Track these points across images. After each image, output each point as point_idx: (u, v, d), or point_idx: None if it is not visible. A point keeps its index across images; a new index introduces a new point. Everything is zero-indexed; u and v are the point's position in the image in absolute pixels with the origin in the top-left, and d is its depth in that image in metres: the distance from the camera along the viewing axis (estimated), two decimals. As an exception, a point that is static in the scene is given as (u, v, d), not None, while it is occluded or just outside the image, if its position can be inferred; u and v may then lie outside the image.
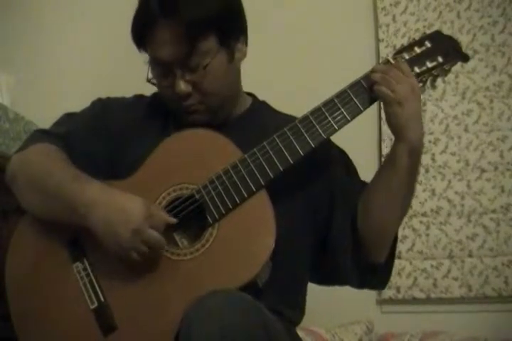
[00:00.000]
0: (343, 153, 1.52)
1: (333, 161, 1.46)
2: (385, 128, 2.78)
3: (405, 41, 1.44)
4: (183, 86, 1.34)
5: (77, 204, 1.29)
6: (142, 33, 1.36)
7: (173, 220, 1.30)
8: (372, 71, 1.35)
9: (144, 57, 1.40)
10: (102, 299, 1.30)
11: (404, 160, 1.34)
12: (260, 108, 1.51)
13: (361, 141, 2.69)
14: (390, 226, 1.41)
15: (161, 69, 1.37)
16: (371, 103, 1.35)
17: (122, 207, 1.26)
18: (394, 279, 2.65)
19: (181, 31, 1.30)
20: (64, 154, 1.41)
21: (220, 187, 1.30)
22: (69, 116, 1.51)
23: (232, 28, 1.37)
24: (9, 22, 2.91)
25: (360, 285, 1.49)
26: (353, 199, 1.43)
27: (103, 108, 1.49)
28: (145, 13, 1.34)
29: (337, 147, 1.51)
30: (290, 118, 1.38)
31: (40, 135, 1.47)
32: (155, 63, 1.37)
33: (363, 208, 1.41)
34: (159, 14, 1.31)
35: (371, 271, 1.44)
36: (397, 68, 1.33)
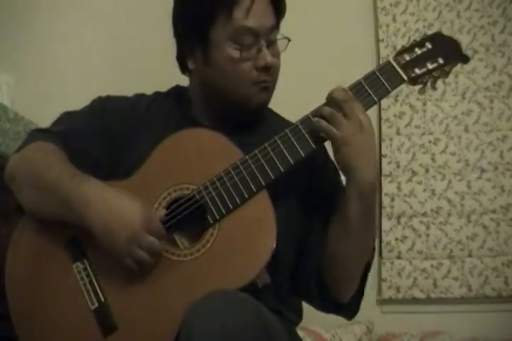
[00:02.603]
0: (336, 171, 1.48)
1: (326, 175, 1.45)
2: (385, 128, 2.79)
3: (405, 41, 1.44)
4: (271, 56, 1.36)
5: (73, 203, 1.29)
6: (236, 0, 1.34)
7: (162, 213, 1.30)
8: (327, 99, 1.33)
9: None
10: (103, 299, 1.30)
11: (353, 204, 1.30)
12: (268, 114, 1.49)
13: (361, 141, 2.69)
14: (346, 267, 1.36)
15: (247, 40, 1.35)
16: None
17: (120, 211, 1.26)
18: (394, 279, 2.66)
19: (272, 4, 1.37)
20: (62, 152, 1.40)
21: (220, 188, 1.30)
22: (68, 115, 1.50)
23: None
24: (9, 22, 2.91)
25: (324, 312, 1.47)
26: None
27: (103, 106, 1.48)
28: None
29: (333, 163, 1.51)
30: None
31: (39, 134, 1.47)
32: (240, 34, 1.35)
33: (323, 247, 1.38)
34: None
35: (335, 307, 1.42)
36: (348, 102, 1.29)
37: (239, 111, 1.39)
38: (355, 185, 1.29)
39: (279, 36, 1.39)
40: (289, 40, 1.40)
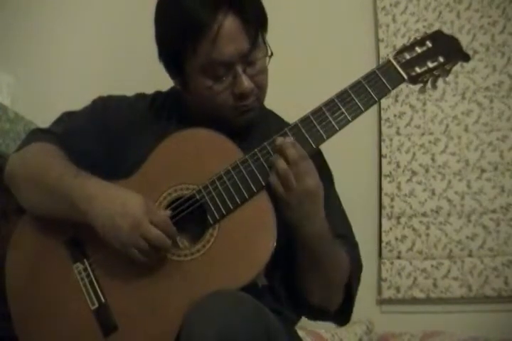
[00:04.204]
0: (330, 178, 1.50)
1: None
2: (385, 128, 2.79)
3: (405, 41, 1.43)
4: (248, 82, 1.32)
5: (76, 200, 1.29)
6: (202, 31, 1.29)
7: (168, 212, 1.29)
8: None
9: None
10: (103, 299, 1.30)
11: (299, 250, 1.32)
12: (267, 116, 1.50)
13: (361, 141, 2.70)
14: (312, 290, 1.37)
15: (219, 71, 1.32)
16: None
17: (122, 202, 1.26)
18: (394, 279, 2.66)
19: (245, 24, 1.30)
20: (62, 152, 1.41)
21: (220, 188, 1.30)
22: (69, 115, 1.50)
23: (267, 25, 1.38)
24: (9, 22, 2.91)
25: (313, 320, 1.48)
26: None
27: (103, 107, 1.48)
28: (208, 9, 1.29)
29: (328, 170, 1.50)
30: None
31: (39, 134, 1.47)
32: (210, 67, 1.32)
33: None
34: (228, 8, 1.28)
35: (324, 314, 1.43)
36: (299, 164, 1.26)
37: (227, 124, 1.39)
38: (300, 238, 1.30)
39: (261, 52, 1.35)
40: (271, 55, 1.36)
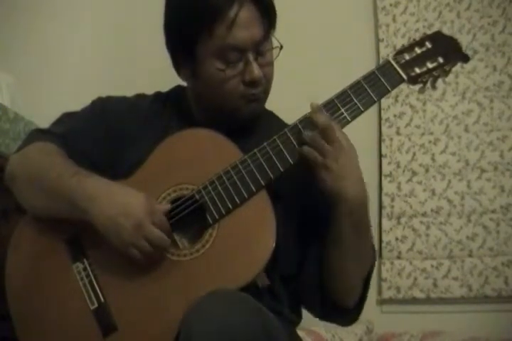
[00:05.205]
0: None
1: None
2: (385, 128, 2.79)
3: (405, 41, 1.43)
4: (258, 70, 1.34)
5: (77, 199, 1.29)
6: (219, 15, 1.30)
7: (168, 207, 1.30)
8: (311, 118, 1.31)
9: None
10: (102, 299, 1.30)
11: (344, 222, 1.30)
12: (267, 117, 1.49)
13: (361, 141, 2.68)
14: (346, 279, 1.37)
15: (232, 57, 1.33)
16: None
17: (124, 201, 1.26)
18: (394, 279, 2.66)
19: (259, 14, 1.33)
20: (63, 152, 1.41)
21: (220, 188, 1.30)
22: (68, 116, 1.50)
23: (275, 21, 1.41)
24: (9, 22, 2.91)
25: (321, 318, 1.48)
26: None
27: (103, 107, 1.48)
28: None
29: None
30: None
31: (39, 134, 1.47)
32: (224, 51, 1.33)
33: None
34: None
35: (336, 312, 1.43)
36: (328, 127, 1.28)
37: (231, 118, 1.39)
38: (343, 204, 1.28)
39: (270, 45, 1.37)
40: (281, 48, 1.38)
